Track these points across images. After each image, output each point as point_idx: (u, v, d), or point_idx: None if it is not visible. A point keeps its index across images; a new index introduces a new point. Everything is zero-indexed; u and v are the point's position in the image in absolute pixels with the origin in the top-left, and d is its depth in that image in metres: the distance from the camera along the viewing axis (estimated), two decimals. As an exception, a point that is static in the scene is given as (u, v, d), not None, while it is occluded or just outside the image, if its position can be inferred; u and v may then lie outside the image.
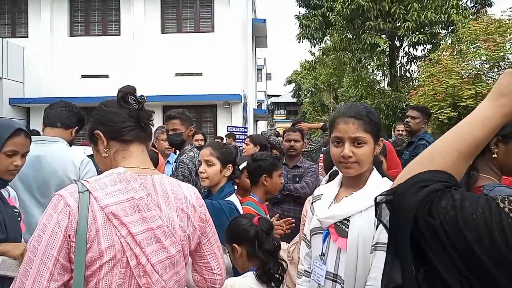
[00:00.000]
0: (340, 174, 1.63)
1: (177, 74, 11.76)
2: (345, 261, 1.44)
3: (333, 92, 24.10)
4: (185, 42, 11.87)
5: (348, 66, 15.61)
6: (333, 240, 1.50)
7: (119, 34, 12.18)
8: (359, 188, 1.51)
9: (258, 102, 24.93)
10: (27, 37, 12.24)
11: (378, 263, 1.38)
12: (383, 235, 1.38)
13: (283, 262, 1.80)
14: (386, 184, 1.45)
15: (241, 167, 2.49)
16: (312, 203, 1.71)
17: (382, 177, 1.55)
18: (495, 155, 1.52)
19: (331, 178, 2.19)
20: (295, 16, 15.73)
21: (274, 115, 41.92)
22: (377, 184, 1.48)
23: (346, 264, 1.44)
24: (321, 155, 4.94)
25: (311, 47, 16.39)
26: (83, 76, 11.98)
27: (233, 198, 2.17)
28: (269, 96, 39.74)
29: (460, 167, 0.72)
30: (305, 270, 1.68)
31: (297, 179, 3.30)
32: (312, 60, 21.50)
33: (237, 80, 11.74)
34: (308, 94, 30.26)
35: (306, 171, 3.36)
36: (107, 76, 11.93)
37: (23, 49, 11.92)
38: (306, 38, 15.24)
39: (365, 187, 1.51)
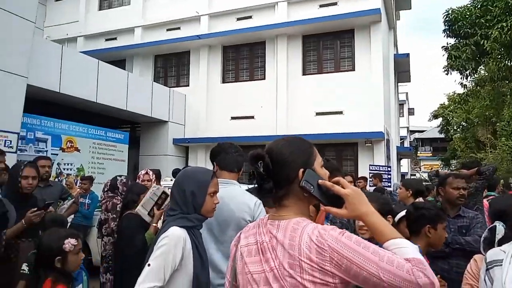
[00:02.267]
0: None
1: (317, 114, 12.00)
2: None
3: (490, 127, 21.32)
4: (325, 82, 12.13)
5: (508, 97, 13.74)
6: None
7: (264, 78, 13.12)
8: None
9: (400, 139, 23.58)
10: (188, 85, 14.17)
11: None
12: None
13: None
14: None
15: (399, 216, 2.35)
16: (488, 269, 1.50)
17: None
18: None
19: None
20: (442, 47, 14.69)
21: (418, 152, 38.97)
22: None
23: None
24: (485, 202, 4.37)
25: (462, 78, 15.03)
26: (232, 118, 13.15)
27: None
28: (412, 131, 37.26)
29: None
30: None
31: (464, 231, 2.96)
32: (463, 92, 19.56)
33: (379, 117, 11.38)
34: (458, 129, 27.43)
35: (472, 222, 2.99)
36: (252, 117, 12.87)
37: (185, 96, 13.79)
38: (456, 70, 14.05)
39: None
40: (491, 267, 1.48)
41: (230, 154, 2.45)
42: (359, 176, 9.10)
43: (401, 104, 28.02)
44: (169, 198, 2.67)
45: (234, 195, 2.37)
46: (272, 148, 1.28)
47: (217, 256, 2.28)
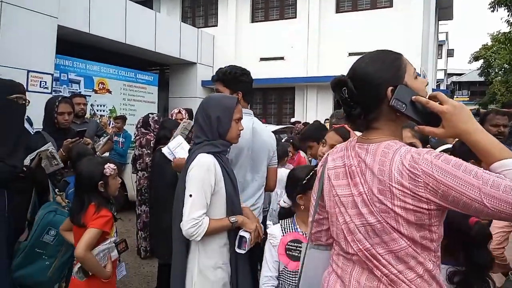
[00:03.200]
0: None
1: (350, 54, 11.53)
2: None
3: (536, 69, 20.00)
4: (360, 20, 11.51)
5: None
6: None
7: (295, 17, 12.58)
8: None
9: (437, 82, 22.59)
10: (216, 25, 13.81)
11: None
12: None
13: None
14: None
15: (440, 149, 2.24)
16: None
17: None
18: None
19: None
20: (490, -20, 13.50)
21: (455, 96, 37.38)
22: None
23: None
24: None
25: (509, 15, 13.90)
26: (262, 59, 12.86)
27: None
28: (450, 75, 35.52)
29: None
30: None
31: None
32: (510, 31, 18.17)
33: (415, 58, 10.81)
34: (500, 72, 25.89)
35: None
36: (282, 58, 12.54)
37: (213, 37, 13.50)
38: (504, 6, 12.96)
39: None
40: None
41: (249, 83, 2.40)
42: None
43: (440, 45, 26.48)
44: None
45: (262, 127, 2.45)
46: (355, 69, 1.18)
47: (252, 184, 2.34)
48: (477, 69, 30.84)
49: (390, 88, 1.10)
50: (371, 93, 1.13)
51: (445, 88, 25.71)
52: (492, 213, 0.95)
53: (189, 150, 2.03)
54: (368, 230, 1.12)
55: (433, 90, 15.68)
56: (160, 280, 3.55)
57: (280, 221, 1.97)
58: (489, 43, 27.44)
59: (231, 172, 1.97)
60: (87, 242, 2.01)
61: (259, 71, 12.38)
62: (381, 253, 1.11)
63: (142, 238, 4.41)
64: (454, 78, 40.49)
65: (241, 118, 2.01)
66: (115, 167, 2.28)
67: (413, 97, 1.09)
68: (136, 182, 4.55)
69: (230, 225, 1.89)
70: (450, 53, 35.15)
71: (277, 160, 2.53)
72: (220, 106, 1.94)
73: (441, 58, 28.88)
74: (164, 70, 14.10)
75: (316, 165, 1.94)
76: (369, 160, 1.13)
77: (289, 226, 1.92)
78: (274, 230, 1.92)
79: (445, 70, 32.66)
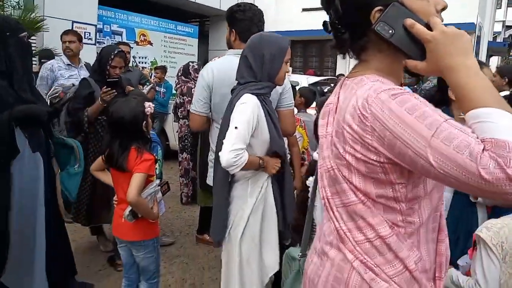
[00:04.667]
0: None
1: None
2: None
3: None
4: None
5: None
6: None
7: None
8: None
9: (493, 34, 20.95)
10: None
11: None
12: None
13: None
14: None
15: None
16: None
17: None
18: None
19: None
20: None
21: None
22: None
23: None
24: None
25: None
26: (304, 10, 12.36)
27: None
28: (508, 27, 32.72)
29: None
30: None
31: None
32: None
33: (472, 6, 9.98)
34: None
35: None
36: (326, 8, 11.99)
37: (254, -13, 13.05)
38: None
39: None
40: None
41: (254, 24, 2.25)
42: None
43: (499, -6, 24.24)
44: None
45: None
46: None
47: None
48: (541, 21, 28.12)
49: (376, 9, 0.87)
50: (356, 14, 0.90)
51: (501, 41, 23.81)
52: (441, 176, 0.72)
53: (232, 91, 1.98)
54: (328, 176, 0.97)
55: (489, 42, 14.55)
56: (201, 223, 3.68)
57: None
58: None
59: (274, 115, 1.93)
60: (137, 187, 2.02)
61: (301, 22, 11.96)
62: (337, 204, 0.96)
63: (183, 184, 4.54)
64: (513, 31, 37.25)
65: (289, 59, 1.95)
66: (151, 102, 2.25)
67: (406, 20, 0.84)
68: (177, 130, 4.62)
69: (258, 166, 1.89)
70: (511, 2, 32.13)
71: (291, 102, 2.34)
72: (274, 45, 1.88)
73: (500, 8, 26.55)
74: (204, 22, 13.91)
75: None
76: (341, 97, 0.95)
77: None
78: None
79: (504, 21, 30.07)
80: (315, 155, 1.91)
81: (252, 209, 1.92)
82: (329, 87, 6.53)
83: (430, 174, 0.76)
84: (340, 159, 0.91)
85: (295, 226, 2.07)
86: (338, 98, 0.96)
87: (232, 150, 1.72)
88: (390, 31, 0.85)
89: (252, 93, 1.83)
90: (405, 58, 0.87)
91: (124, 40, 9.20)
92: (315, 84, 6.63)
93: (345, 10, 0.92)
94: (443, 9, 0.91)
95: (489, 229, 1.43)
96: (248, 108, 1.79)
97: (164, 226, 3.96)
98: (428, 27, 0.83)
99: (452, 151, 0.69)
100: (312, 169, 1.99)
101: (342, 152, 0.89)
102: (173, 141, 6.09)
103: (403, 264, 0.89)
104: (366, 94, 0.83)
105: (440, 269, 0.98)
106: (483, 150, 0.67)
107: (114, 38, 9.07)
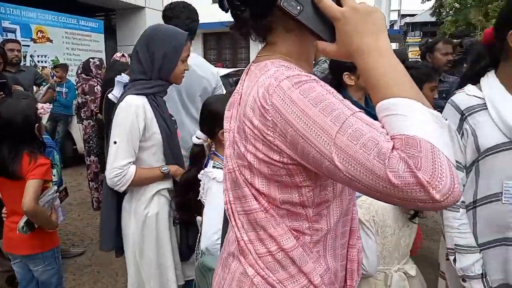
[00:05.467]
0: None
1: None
2: None
3: (484, 8, 20.50)
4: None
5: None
6: None
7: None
8: None
9: (390, 23, 22.75)
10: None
11: None
12: None
13: None
14: None
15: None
16: (465, 118, 1.42)
17: None
18: None
19: None
20: None
21: (407, 38, 37.93)
22: None
23: None
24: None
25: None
26: (214, 1, 12.30)
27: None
28: (403, 16, 35.80)
29: None
30: (462, 202, 1.42)
31: (444, 95, 2.93)
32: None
33: (369, -4, 10.73)
34: (451, 12, 26.37)
35: (452, 86, 2.96)
36: (235, 0, 12.05)
37: (160, -21, 12.65)
38: None
39: None
40: (469, 114, 1.41)
41: (182, 25, 2.17)
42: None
43: (393, -15, 26.37)
44: None
45: (199, 62, 2.32)
46: None
47: (187, 120, 2.25)
48: (429, 9, 31.24)
49: None
50: None
51: (398, 29, 26.02)
52: (347, 180, 0.62)
53: (125, 86, 1.89)
54: (230, 178, 0.86)
55: (387, 30, 15.80)
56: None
57: (212, 162, 1.67)
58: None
59: (167, 116, 1.80)
60: (34, 194, 1.87)
61: (212, 15, 11.87)
62: (238, 211, 0.85)
63: (94, 189, 4.30)
64: (408, 19, 40.90)
65: (187, 57, 1.83)
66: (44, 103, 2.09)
67: None
68: (82, 131, 4.35)
69: (161, 175, 1.77)
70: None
71: None
72: (168, 41, 1.73)
73: (395, -2, 28.93)
74: (111, 16, 13.20)
75: None
76: (245, 85, 0.83)
77: (221, 164, 1.63)
78: (219, 173, 1.59)
79: (399, 10, 32.87)
80: (194, 139, 1.76)
81: (140, 225, 1.78)
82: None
83: (336, 177, 0.65)
84: (242, 159, 0.80)
85: (178, 203, 1.85)
86: (243, 86, 0.85)
87: (113, 169, 1.64)
88: (298, 7, 0.73)
89: (139, 94, 1.71)
90: (316, 39, 0.75)
91: (19, 38, 8.38)
92: (226, 76, 6.65)
93: None
94: None
95: (360, 207, 1.50)
96: (127, 116, 1.66)
97: (73, 235, 3.73)
98: (339, 3, 0.72)
99: (359, 150, 0.60)
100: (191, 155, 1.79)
101: (243, 151, 0.78)
102: (81, 144, 5.73)
103: (308, 279, 0.81)
104: (268, 83, 0.72)
105: (351, 277, 0.92)
106: (392, 149, 0.58)
107: (7, 36, 8.22)
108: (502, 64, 1.39)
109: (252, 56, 10.83)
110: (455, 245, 1.41)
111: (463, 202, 1.43)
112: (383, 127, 0.62)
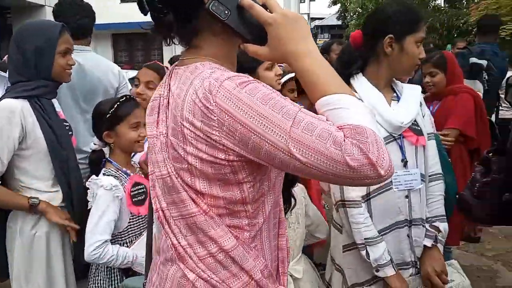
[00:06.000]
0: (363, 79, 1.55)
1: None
2: (426, 156, 1.58)
3: (382, 13, 22.35)
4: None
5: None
6: (412, 142, 1.53)
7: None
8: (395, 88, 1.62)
9: (300, 26, 23.75)
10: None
11: (432, 150, 1.60)
12: (428, 127, 1.62)
13: None
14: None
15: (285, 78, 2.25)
16: None
17: None
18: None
19: None
20: None
21: (317, 40, 40.04)
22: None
23: (426, 158, 1.57)
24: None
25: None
26: (123, 1, 11.84)
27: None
28: (313, 19, 37.70)
29: None
30: (361, 196, 1.49)
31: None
32: (360, -24, 19.79)
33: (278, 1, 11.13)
34: (354, 16, 28.37)
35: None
36: None
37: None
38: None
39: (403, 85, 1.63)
40: None
41: (71, 22, 2.04)
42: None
43: (302, -11, 27.66)
44: None
45: (96, 62, 2.24)
46: None
47: (83, 127, 2.12)
48: (336, 13, 33.29)
49: None
50: None
51: (308, 32, 27.31)
52: (307, 169, 0.70)
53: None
54: (162, 184, 0.87)
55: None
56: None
57: (104, 169, 1.64)
58: (345, -12, 29.56)
59: (53, 120, 1.64)
60: None
61: (121, 15, 11.41)
62: (174, 216, 0.86)
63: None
64: (317, 22, 43.17)
65: (69, 50, 1.70)
66: None
67: (240, 0, 0.77)
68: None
69: (26, 206, 1.57)
70: (313, -3, 37.02)
71: None
72: (39, 35, 1.60)
73: (304, 2, 30.34)
74: (5, 15, 12.04)
75: (123, 96, 1.77)
76: (174, 89, 0.84)
77: (115, 172, 1.63)
78: (110, 181, 1.57)
79: (308, 14, 34.54)
80: (91, 145, 1.70)
81: (27, 247, 1.62)
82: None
83: (290, 168, 0.72)
84: (181, 162, 0.81)
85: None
86: (170, 89, 0.86)
87: None
88: (226, 12, 0.77)
89: (19, 97, 1.57)
90: (243, 42, 0.82)
91: None
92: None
93: None
94: None
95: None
96: (0, 119, 1.53)
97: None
98: (266, 9, 0.78)
99: (315, 140, 0.68)
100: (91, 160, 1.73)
101: (182, 154, 0.80)
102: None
103: (249, 276, 0.85)
104: (207, 84, 0.75)
105: (283, 264, 0.97)
106: (344, 137, 0.68)
107: None
108: (372, 66, 1.54)
109: (166, 58, 10.64)
110: (365, 238, 1.46)
111: (362, 197, 1.51)
112: (327, 120, 0.72)
